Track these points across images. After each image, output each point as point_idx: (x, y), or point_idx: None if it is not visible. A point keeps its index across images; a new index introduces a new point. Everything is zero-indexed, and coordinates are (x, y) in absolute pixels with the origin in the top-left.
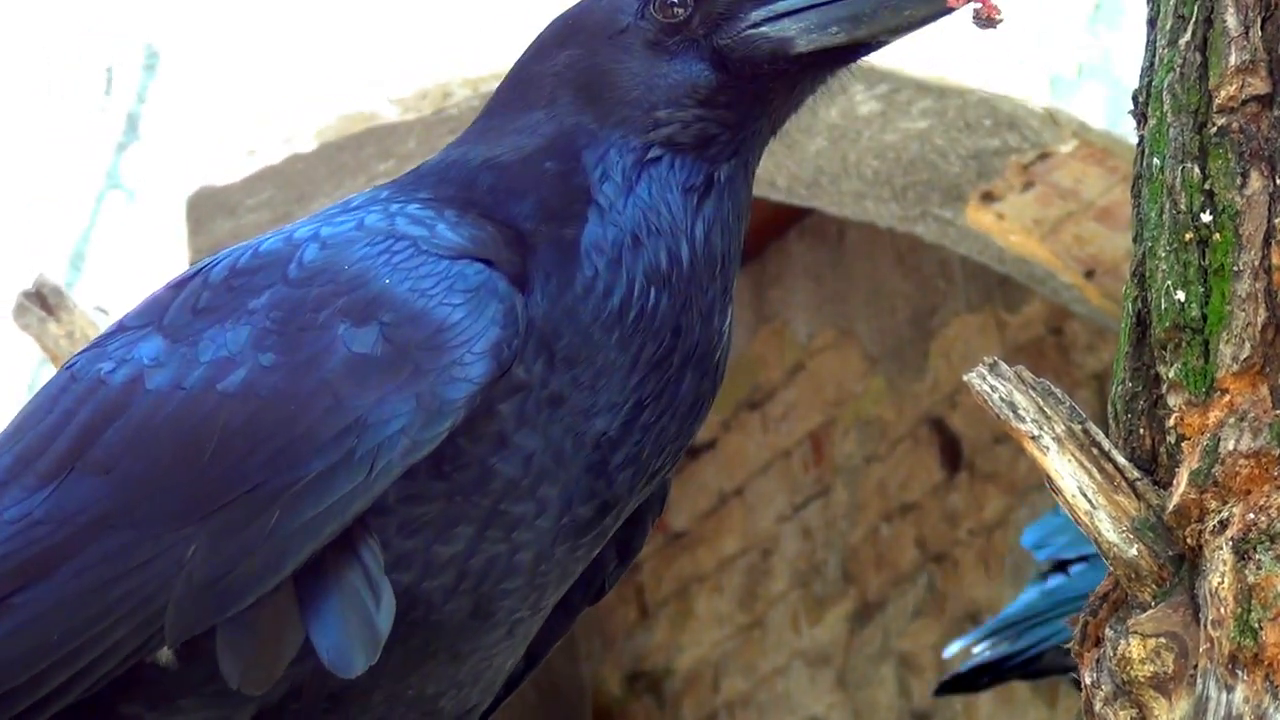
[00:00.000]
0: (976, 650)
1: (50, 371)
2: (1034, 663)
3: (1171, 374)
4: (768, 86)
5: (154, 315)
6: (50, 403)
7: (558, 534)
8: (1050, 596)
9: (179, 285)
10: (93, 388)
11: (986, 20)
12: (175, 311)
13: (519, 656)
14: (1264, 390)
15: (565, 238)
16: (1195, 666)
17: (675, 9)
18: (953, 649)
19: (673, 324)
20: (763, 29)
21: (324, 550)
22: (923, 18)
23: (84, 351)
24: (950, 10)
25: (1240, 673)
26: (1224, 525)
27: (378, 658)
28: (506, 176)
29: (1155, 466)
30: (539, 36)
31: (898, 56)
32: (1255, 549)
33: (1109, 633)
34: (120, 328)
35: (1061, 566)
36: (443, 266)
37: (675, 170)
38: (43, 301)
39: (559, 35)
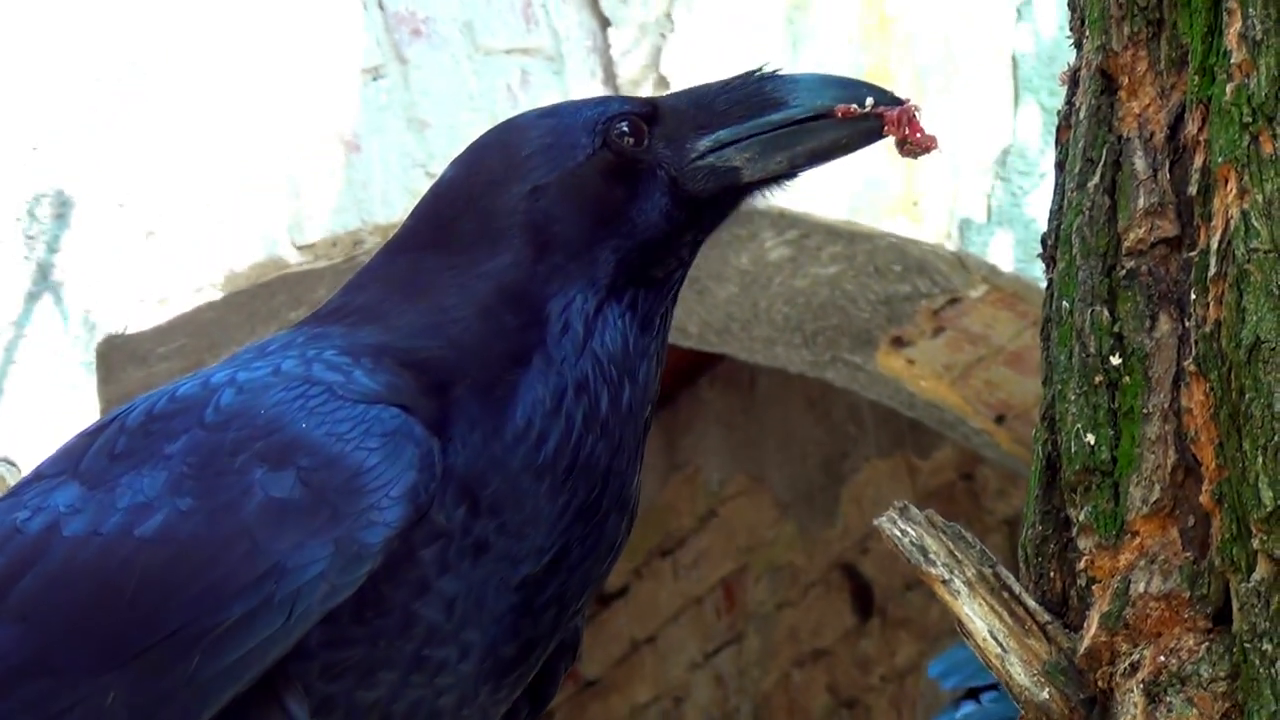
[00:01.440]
0: None
1: None
2: None
3: (1082, 517)
4: (713, 213)
5: (70, 463)
6: None
7: (481, 676)
8: None
9: (95, 432)
10: (8, 536)
11: (922, 149)
12: (91, 458)
13: None
14: (1174, 533)
15: (498, 385)
16: None
17: (629, 137)
18: None
19: (604, 468)
20: (709, 159)
21: (247, 697)
22: (859, 142)
23: None
24: (885, 136)
25: None
26: (1135, 668)
27: None
28: (437, 320)
29: (1066, 609)
30: (473, 163)
31: (807, 201)
32: (1166, 691)
33: None
34: (36, 476)
35: (973, 694)
36: (359, 411)
37: (634, 309)
38: None
39: (504, 167)
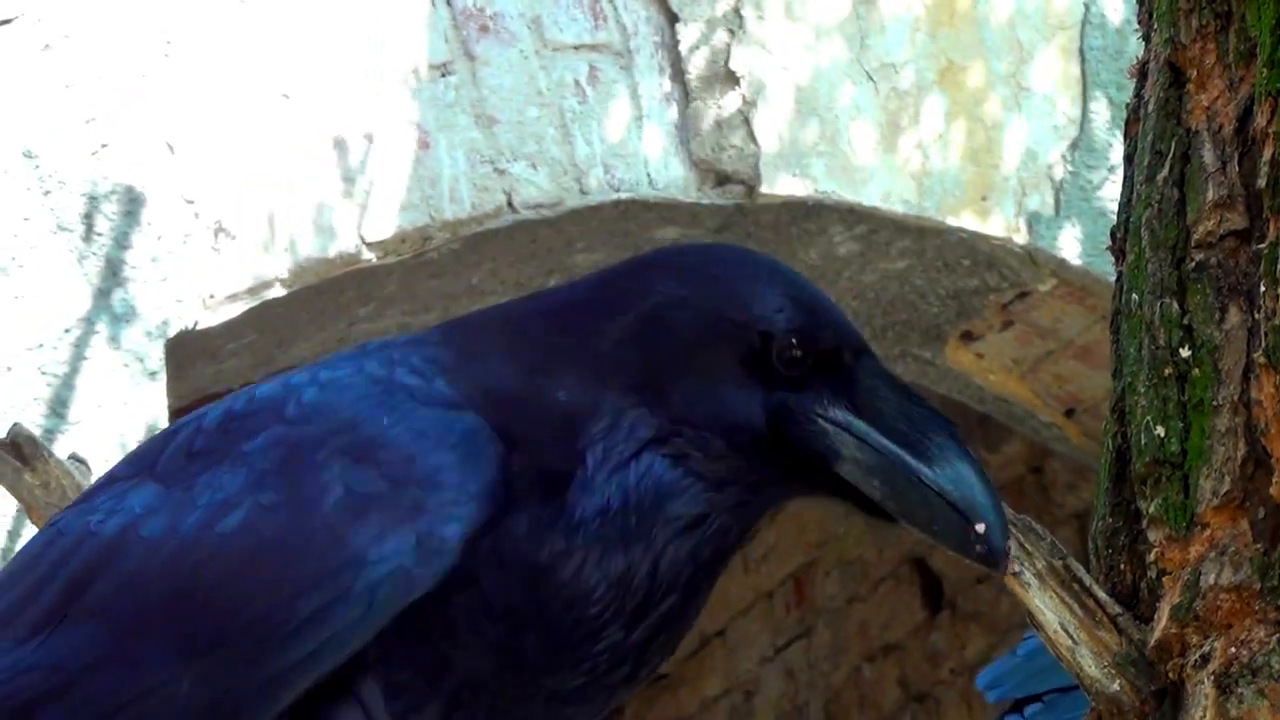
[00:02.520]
0: None
1: (27, 527)
2: None
3: (1152, 509)
4: (790, 473)
5: (144, 464)
6: (35, 559)
7: None
8: None
9: (171, 434)
10: (81, 540)
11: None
12: (168, 459)
13: None
14: (1244, 524)
15: (557, 477)
16: None
17: (795, 354)
18: None
19: (628, 620)
20: (825, 425)
21: (322, 690)
22: (938, 538)
23: (69, 508)
24: (958, 551)
25: None
26: (1206, 659)
27: None
28: (526, 381)
29: (1136, 601)
30: (642, 262)
31: (876, 196)
32: (1237, 683)
33: None
34: (109, 479)
35: (1017, 707)
36: (437, 413)
37: (677, 486)
38: (18, 451)
39: (662, 269)
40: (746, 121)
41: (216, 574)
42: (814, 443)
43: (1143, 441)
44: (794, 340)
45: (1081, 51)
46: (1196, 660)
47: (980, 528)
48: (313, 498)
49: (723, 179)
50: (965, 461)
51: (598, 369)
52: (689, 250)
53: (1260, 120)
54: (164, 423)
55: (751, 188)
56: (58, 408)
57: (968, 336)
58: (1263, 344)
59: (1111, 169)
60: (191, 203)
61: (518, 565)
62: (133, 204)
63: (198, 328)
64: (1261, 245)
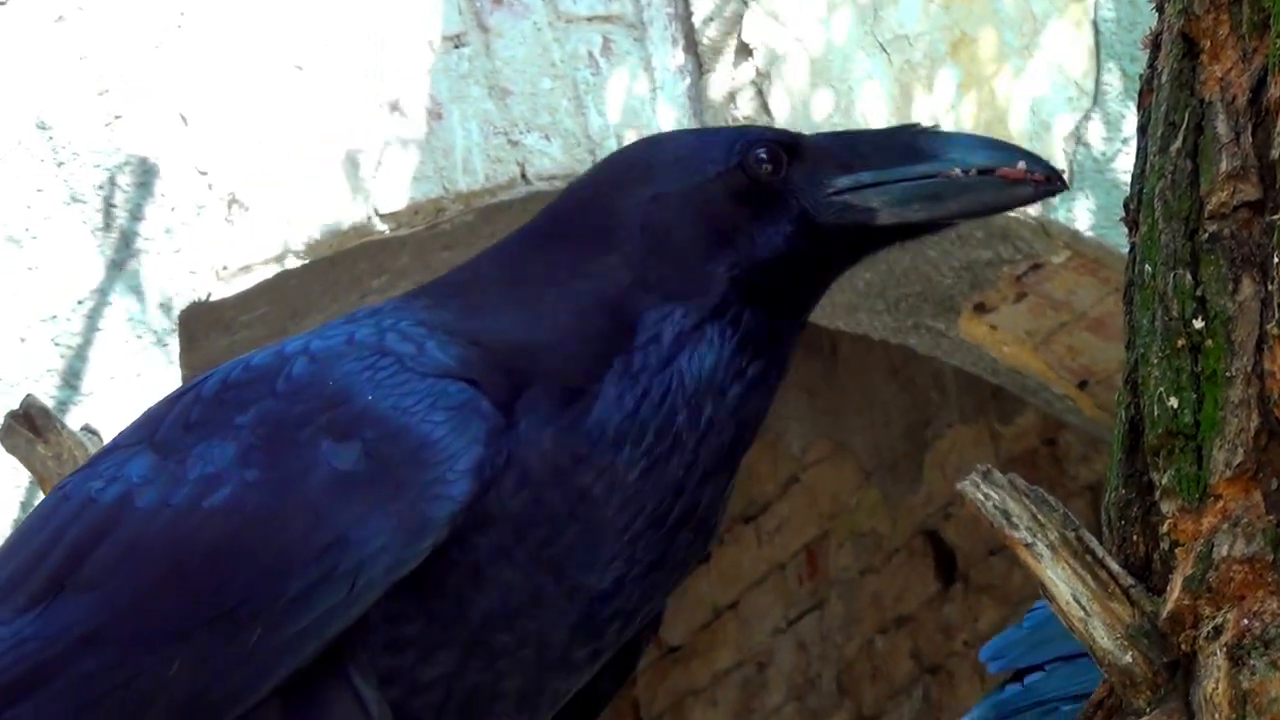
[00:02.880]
0: None
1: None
2: None
3: (1165, 480)
4: (843, 251)
5: (146, 432)
6: (41, 523)
7: (545, 667)
8: (1001, 707)
9: (173, 401)
10: (83, 507)
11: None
12: (167, 428)
13: None
14: (1257, 496)
15: (575, 386)
16: None
17: (766, 163)
18: None
19: (676, 485)
20: (846, 197)
21: (311, 669)
22: (996, 204)
23: (76, 473)
24: (1025, 200)
25: None
26: (1218, 631)
27: None
28: (530, 313)
29: (1149, 573)
30: (607, 169)
31: None
32: (1249, 654)
33: None
34: (114, 447)
35: (1018, 677)
36: (426, 384)
37: (737, 329)
38: (30, 423)
39: (634, 173)
40: (760, 93)
41: (204, 551)
42: (848, 218)
43: (1156, 413)
44: (760, 154)
45: (1095, 23)
46: (1209, 632)
47: (1021, 164)
48: (298, 476)
49: None
50: (962, 137)
51: (620, 294)
52: (630, 155)
53: (1273, 91)
54: None
55: None
56: (71, 379)
57: (981, 308)
58: (1276, 315)
59: (1124, 140)
60: (205, 174)
61: (554, 475)
62: (146, 175)
63: (211, 299)
64: (1275, 216)
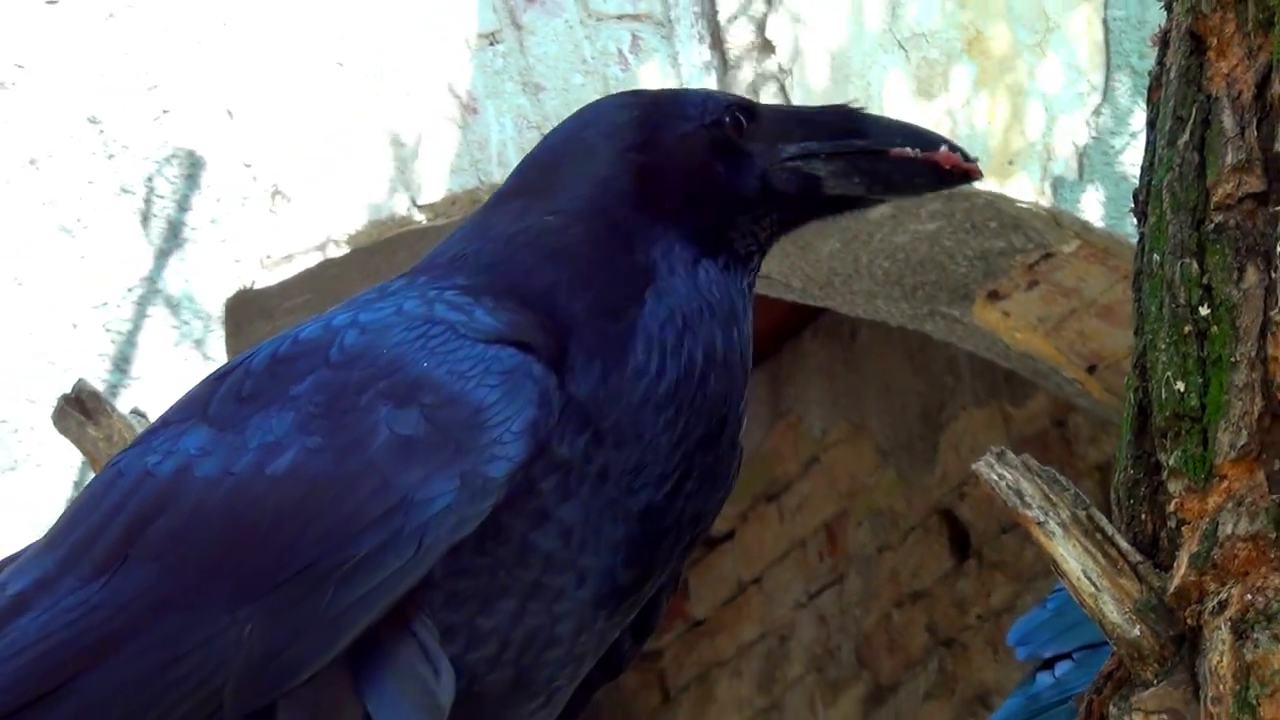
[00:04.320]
0: None
1: (90, 475)
2: None
3: (1172, 461)
4: (791, 212)
5: (197, 408)
6: (97, 498)
7: (597, 602)
8: (1033, 701)
9: (220, 378)
10: (140, 480)
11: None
12: (219, 402)
13: None
14: (1260, 476)
15: (617, 322)
16: None
17: (739, 125)
18: None
19: (720, 403)
20: (796, 163)
21: (378, 626)
22: (921, 187)
23: (128, 450)
24: (944, 186)
25: None
26: (1223, 606)
27: None
28: (550, 263)
29: (1156, 550)
30: (587, 119)
31: None
32: (1253, 628)
33: (1113, 710)
34: (163, 423)
35: (1048, 665)
36: (479, 350)
37: (726, 270)
38: (81, 406)
39: (616, 124)
40: (783, 89)
41: (270, 516)
42: (797, 184)
43: (1163, 396)
44: (730, 116)
45: (1105, 21)
46: (1214, 607)
47: (943, 148)
48: (359, 441)
49: None
50: (888, 120)
51: (627, 227)
52: (612, 108)
53: (1277, 87)
54: None
55: None
56: (121, 364)
57: (994, 296)
58: (1279, 302)
59: (1133, 134)
60: (249, 167)
61: (608, 409)
62: (193, 168)
63: (255, 287)
64: (1278, 207)
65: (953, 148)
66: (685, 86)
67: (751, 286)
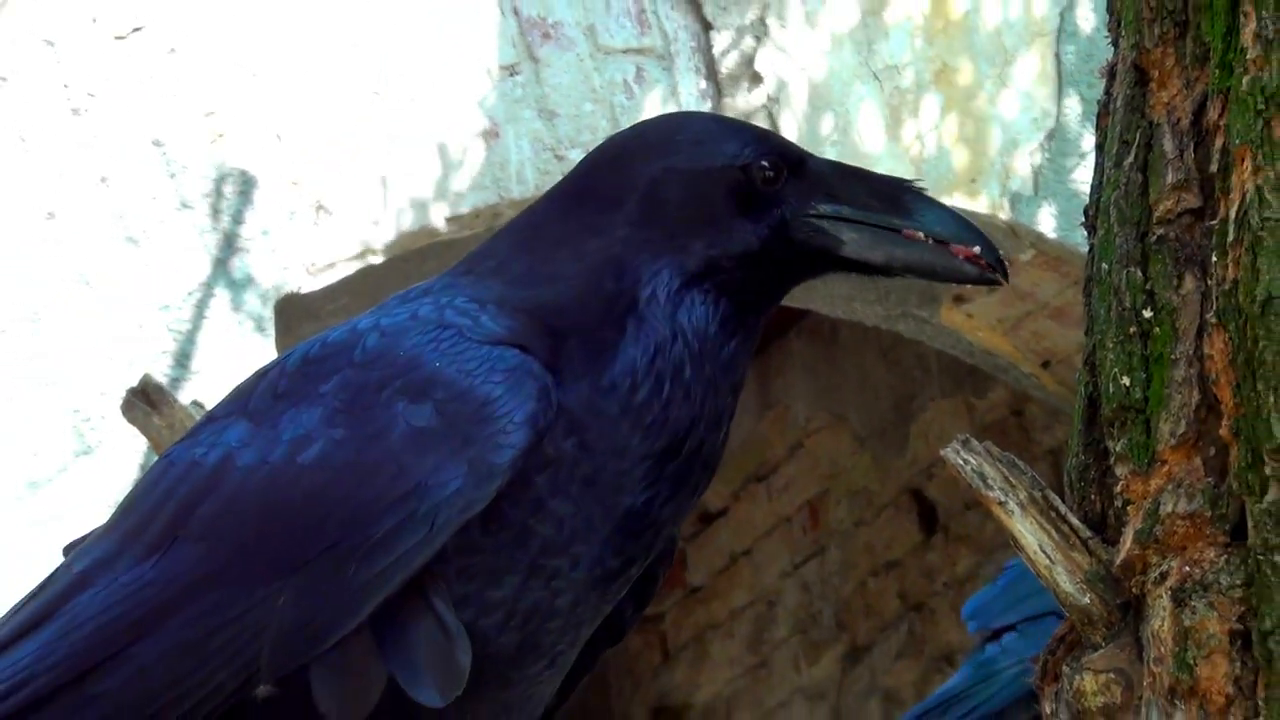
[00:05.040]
0: None
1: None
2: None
3: (1118, 448)
4: (804, 266)
5: (239, 404)
6: (151, 486)
7: (590, 582)
8: (981, 669)
9: (260, 376)
10: (189, 469)
11: (991, 280)
12: (258, 399)
13: (556, 687)
14: (1198, 461)
15: (599, 344)
16: (1140, 698)
17: (768, 173)
18: None
19: (686, 424)
20: (824, 223)
21: (398, 597)
22: (943, 274)
23: (179, 443)
24: (965, 279)
25: (1179, 703)
26: (1164, 577)
27: (461, 689)
28: (551, 281)
29: (1104, 527)
30: (635, 136)
31: None
32: (1190, 597)
33: (1066, 669)
34: (210, 418)
35: (995, 636)
36: (484, 351)
37: (715, 302)
38: (147, 398)
39: (651, 146)
40: (770, 116)
41: (300, 500)
42: (817, 240)
43: (1110, 390)
44: (765, 163)
45: (1057, 55)
46: (1156, 577)
47: (976, 249)
48: (379, 433)
49: None
50: (939, 208)
51: (620, 251)
52: (646, 132)
53: (1212, 114)
54: None
55: None
56: (182, 360)
57: (959, 299)
58: (1214, 306)
59: (1082, 156)
60: (296, 184)
61: (592, 417)
62: (246, 185)
63: (302, 291)
64: (1213, 222)
65: (988, 250)
66: (735, 120)
67: (754, 330)
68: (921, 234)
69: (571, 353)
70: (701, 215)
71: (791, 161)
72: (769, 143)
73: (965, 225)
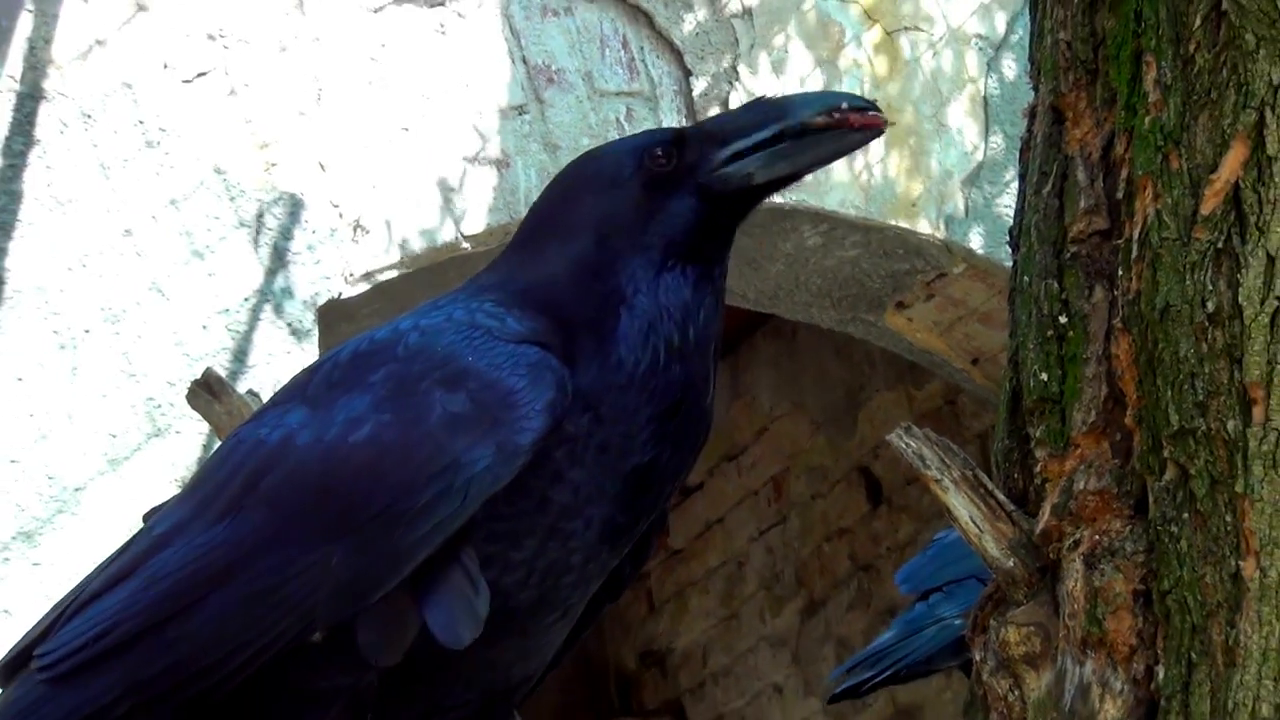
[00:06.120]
0: (849, 677)
1: (217, 442)
2: (916, 668)
3: (1038, 434)
4: (737, 207)
5: (297, 392)
6: (221, 461)
7: (600, 541)
8: (910, 625)
9: (315, 369)
10: (255, 446)
11: (875, 131)
12: (314, 387)
13: (566, 634)
14: (1105, 445)
15: (603, 330)
16: (1056, 648)
17: (661, 159)
18: (834, 675)
19: (682, 385)
20: (729, 169)
21: (433, 557)
22: (838, 152)
23: (245, 424)
24: (857, 144)
25: (1089, 652)
26: (1077, 544)
27: (478, 634)
28: (554, 289)
29: (1026, 501)
30: (557, 185)
31: (835, 203)
32: (1100, 561)
33: (993, 623)
34: (272, 404)
35: (924, 596)
36: (510, 348)
37: (684, 274)
38: (209, 388)
39: (574, 186)
40: None
41: (351, 474)
42: (733, 184)
43: (1031, 384)
44: (657, 153)
45: (985, 99)
46: (1070, 545)
47: (844, 105)
48: (420, 417)
49: None
50: (797, 99)
51: (596, 260)
52: (581, 167)
53: (1119, 149)
54: None
55: None
56: (239, 356)
57: (901, 305)
58: (1120, 314)
59: (1007, 185)
60: (337, 206)
61: (602, 395)
62: (294, 207)
63: (341, 298)
64: (1119, 241)
65: (854, 104)
66: (627, 136)
67: (721, 275)
68: (799, 125)
69: (582, 344)
70: (642, 215)
71: (674, 140)
72: (650, 137)
73: (825, 96)
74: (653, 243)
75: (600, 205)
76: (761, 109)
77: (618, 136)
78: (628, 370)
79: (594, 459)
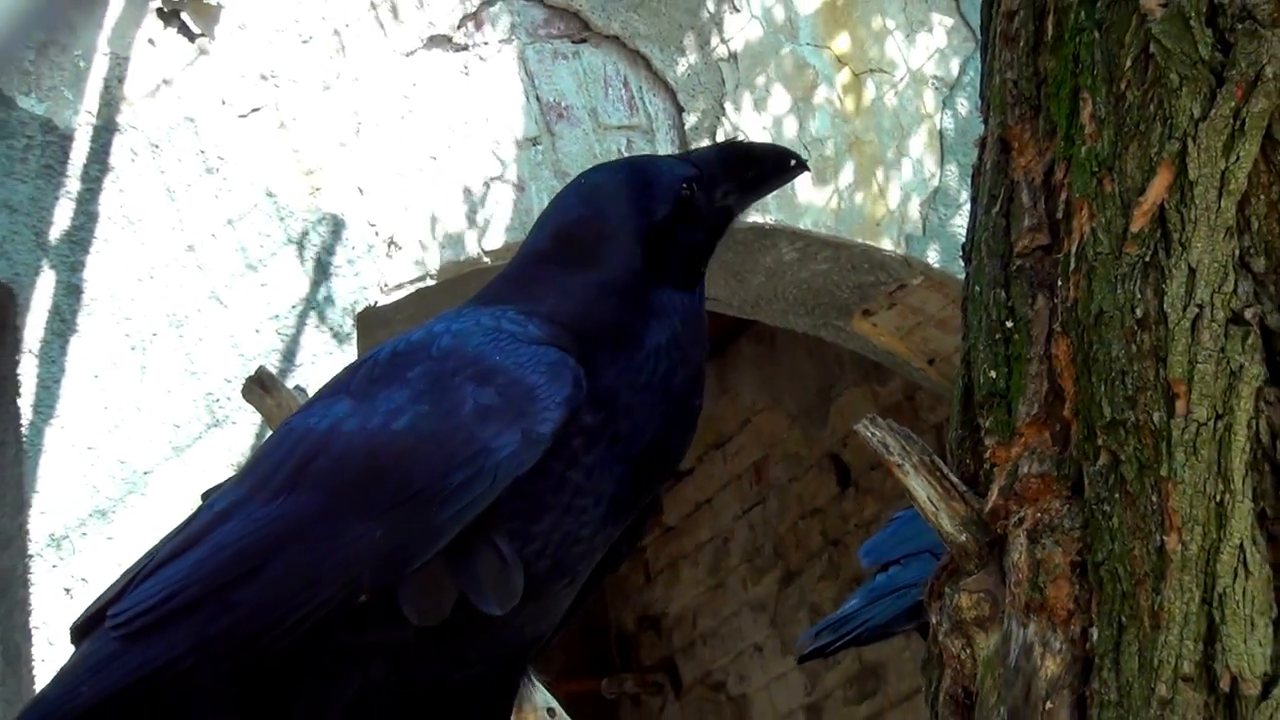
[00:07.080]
0: (818, 639)
1: (268, 431)
2: (877, 631)
3: (987, 424)
4: (719, 232)
5: (342, 386)
6: (275, 446)
7: (607, 515)
8: (872, 593)
9: (357, 366)
10: (305, 434)
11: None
12: (357, 383)
13: (572, 599)
14: (1046, 435)
15: (630, 339)
16: (1004, 612)
17: (688, 192)
18: (804, 638)
19: (687, 388)
20: (726, 203)
21: (466, 532)
22: (781, 184)
23: (295, 414)
24: (793, 177)
25: (1032, 616)
26: (1021, 521)
27: (516, 603)
28: (574, 309)
29: (977, 483)
30: (595, 201)
31: (810, 224)
32: (1041, 536)
33: (947, 590)
34: (319, 396)
35: (885, 568)
36: (533, 350)
37: (691, 296)
38: (262, 384)
39: (624, 205)
40: None
41: (392, 458)
42: (726, 216)
43: (981, 381)
44: (695, 187)
45: (940, 131)
46: (1015, 521)
47: (793, 162)
48: (453, 409)
49: None
50: (759, 153)
51: (631, 288)
52: (597, 178)
53: (1059, 174)
54: None
55: None
56: (288, 357)
57: (867, 313)
58: (1059, 319)
59: (960, 206)
60: (373, 225)
61: (615, 396)
62: (336, 226)
63: (377, 306)
64: (1059, 255)
65: (794, 157)
66: (651, 159)
67: (704, 292)
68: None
69: (605, 349)
70: (669, 240)
71: (699, 176)
72: (685, 168)
73: (775, 150)
74: (674, 265)
75: (653, 228)
76: (734, 153)
77: None
78: (649, 370)
79: (606, 447)
